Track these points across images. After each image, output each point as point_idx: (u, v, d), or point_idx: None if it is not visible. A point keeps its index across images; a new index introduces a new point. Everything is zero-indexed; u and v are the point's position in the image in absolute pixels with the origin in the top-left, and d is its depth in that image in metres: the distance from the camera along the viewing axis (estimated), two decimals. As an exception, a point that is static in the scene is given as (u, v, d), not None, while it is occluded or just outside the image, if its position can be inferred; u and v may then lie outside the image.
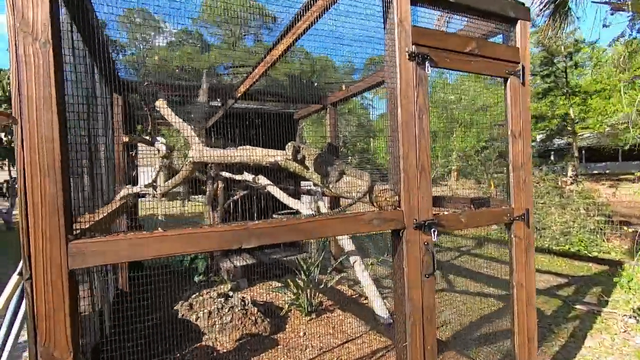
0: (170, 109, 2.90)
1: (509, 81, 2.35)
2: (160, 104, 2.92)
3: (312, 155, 2.31)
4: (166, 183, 3.01)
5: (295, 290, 3.93)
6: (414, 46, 1.94)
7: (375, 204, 1.96)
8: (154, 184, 3.09)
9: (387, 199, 1.91)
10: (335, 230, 1.74)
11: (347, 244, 2.89)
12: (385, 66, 1.99)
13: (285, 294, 4.22)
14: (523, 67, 2.38)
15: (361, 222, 1.79)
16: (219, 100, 5.09)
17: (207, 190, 6.09)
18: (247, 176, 4.62)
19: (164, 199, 3.03)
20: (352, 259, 2.96)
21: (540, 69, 20.88)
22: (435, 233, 1.96)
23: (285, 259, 5.75)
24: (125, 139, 3.90)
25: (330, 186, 2.15)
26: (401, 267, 1.94)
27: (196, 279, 5.49)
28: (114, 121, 3.84)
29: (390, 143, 1.99)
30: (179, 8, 1.60)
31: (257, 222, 1.57)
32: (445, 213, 2.10)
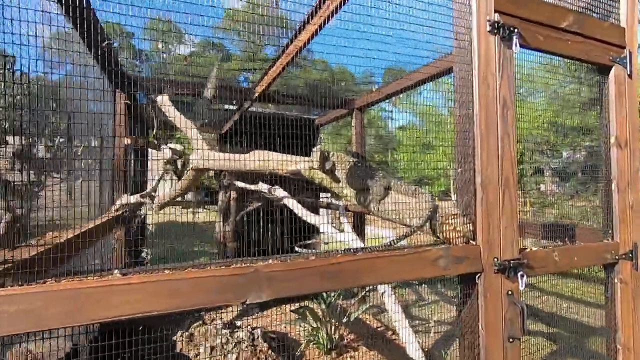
0: (173, 107, 2.43)
1: (612, 71, 1.76)
2: (163, 100, 2.45)
3: (345, 163, 1.76)
4: (166, 193, 2.52)
5: (313, 324, 3.35)
6: (496, 14, 1.39)
7: (439, 234, 1.39)
8: (153, 193, 2.61)
9: (457, 229, 1.33)
10: (385, 274, 1.18)
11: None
12: (454, 44, 1.44)
13: (301, 325, 3.63)
14: (630, 54, 1.79)
15: (423, 262, 1.22)
16: (234, 102, 4.65)
17: (219, 200, 5.63)
18: (263, 187, 4.12)
19: (161, 211, 2.53)
20: (380, 287, 2.38)
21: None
22: (524, 279, 1.37)
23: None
24: (128, 140, 3.46)
25: (372, 205, 1.59)
26: (474, 328, 1.34)
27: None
28: (115, 121, 3.41)
29: (458, 148, 1.43)
30: (202, 15, 1.22)
31: (270, 261, 1.03)
32: (534, 249, 1.50)
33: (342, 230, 3.09)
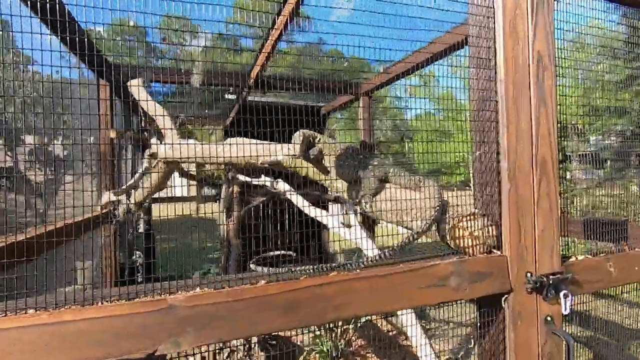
0: (146, 92, 2.13)
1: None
2: (135, 84, 2.16)
3: (334, 151, 1.42)
4: (139, 192, 2.25)
5: (317, 331, 3.05)
6: (528, -63, 1.01)
7: (450, 241, 1.03)
8: (131, 190, 2.35)
9: (475, 233, 0.98)
10: (368, 302, 0.83)
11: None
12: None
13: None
14: None
15: (426, 282, 0.88)
16: (230, 90, 4.35)
17: (222, 195, 5.39)
18: (266, 180, 3.83)
19: (139, 211, 2.27)
20: None
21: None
22: (569, 300, 1.00)
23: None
24: (112, 134, 3.22)
25: (363, 202, 1.25)
26: (500, 366, 0.99)
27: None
28: (100, 112, 3.17)
29: (476, 125, 1.06)
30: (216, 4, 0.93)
31: (197, 289, 0.71)
32: (580, 258, 1.12)
33: (348, 226, 2.75)
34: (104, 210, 2.54)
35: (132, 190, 2.42)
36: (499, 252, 1.00)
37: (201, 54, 2.81)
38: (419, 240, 1.06)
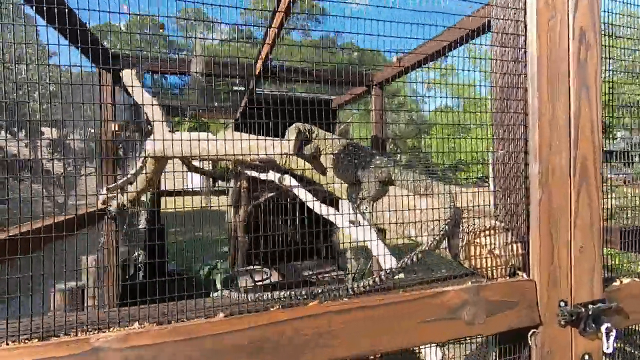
0: (139, 82, 2.00)
1: None
2: (128, 74, 2.04)
3: (331, 148, 1.25)
4: (132, 188, 2.13)
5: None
6: None
7: (465, 260, 0.85)
8: (126, 185, 2.24)
9: (496, 252, 0.79)
10: (366, 341, 0.66)
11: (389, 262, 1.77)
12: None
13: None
14: None
15: (435, 313, 0.70)
16: (238, 81, 4.21)
17: (230, 189, 5.29)
18: (273, 176, 3.67)
19: (133, 207, 2.16)
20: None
21: None
22: (613, 335, 0.81)
23: (317, 276, 4.74)
24: (115, 126, 3.13)
25: (363, 207, 1.07)
26: (524, 414, 0.81)
27: (213, 294, 4.67)
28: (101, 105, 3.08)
29: (498, 117, 0.87)
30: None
31: (136, 325, 0.56)
32: (626, 281, 0.92)
33: (357, 224, 2.58)
34: (102, 206, 2.44)
35: (128, 186, 2.31)
36: (525, 276, 0.81)
37: (210, 47, 2.66)
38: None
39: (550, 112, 0.79)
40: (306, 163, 1.34)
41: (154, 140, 1.70)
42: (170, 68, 3.09)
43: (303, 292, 0.68)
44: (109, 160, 3.06)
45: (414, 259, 0.76)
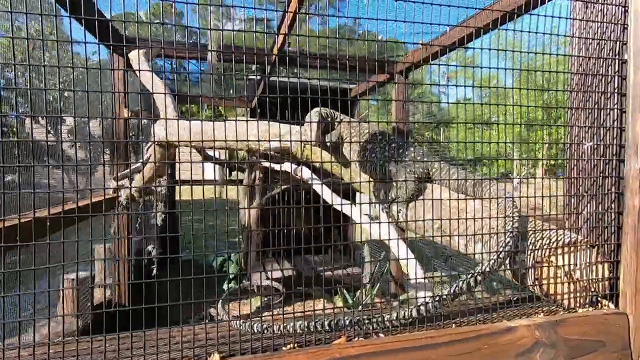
0: (147, 64, 1.86)
1: None
2: (135, 55, 1.90)
3: (357, 137, 1.08)
4: (139, 177, 2.01)
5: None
6: None
7: (534, 285, 0.67)
8: (133, 175, 2.13)
9: (576, 275, 0.61)
10: None
11: (413, 269, 1.57)
12: None
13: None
14: None
15: (499, 356, 0.53)
16: (254, 68, 4.05)
17: (244, 180, 5.18)
18: (289, 166, 3.52)
19: (141, 198, 2.05)
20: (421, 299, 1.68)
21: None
22: None
23: (330, 272, 4.60)
24: (126, 113, 3.03)
25: (395, 209, 0.90)
26: None
27: (225, 286, 4.61)
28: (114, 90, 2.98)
29: (574, 102, 0.67)
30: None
31: None
32: None
33: (375, 219, 2.40)
34: (112, 195, 2.35)
35: (135, 175, 2.21)
36: (612, 306, 0.63)
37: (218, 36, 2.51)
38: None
39: (657, 93, 0.59)
40: (326, 154, 1.17)
41: (158, 124, 1.57)
42: (186, 52, 2.95)
43: (325, 324, 0.51)
44: (119, 148, 2.97)
45: (472, 283, 0.58)
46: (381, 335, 0.53)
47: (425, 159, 0.90)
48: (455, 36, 2.73)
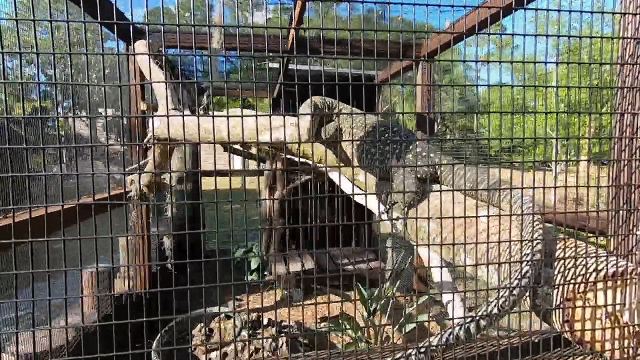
0: (149, 56, 1.79)
1: None
2: (140, 46, 1.84)
3: (357, 130, 0.94)
4: (146, 170, 1.97)
5: (352, 335, 2.66)
6: None
7: (563, 327, 0.51)
8: (139, 170, 2.10)
9: (622, 318, 0.45)
10: None
11: (436, 265, 1.41)
12: None
13: (340, 334, 2.98)
14: None
15: None
16: (269, 56, 3.93)
17: (265, 171, 5.14)
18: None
19: (151, 193, 2.02)
20: (445, 298, 1.54)
21: None
22: None
23: (353, 266, 4.49)
24: (143, 106, 3.04)
25: (394, 213, 0.76)
26: None
27: (248, 277, 4.64)
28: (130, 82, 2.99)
29: (625, 81, 0.50)
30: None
31: None
32: None
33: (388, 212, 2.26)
34: (129, 188, 2.35)
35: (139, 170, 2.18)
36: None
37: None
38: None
39: None
40: (323, 149, 1.04)
41: (154, 119, 1.49)
42: (193, 42, 2.88)
43: None
44: (134, 141, 2.98)
45: (472, 330, 0.44)
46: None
47: (432, 157, 0.75)
48: (486, 13, 2.46)
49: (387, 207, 0.79)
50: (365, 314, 2.74)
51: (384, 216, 0.85)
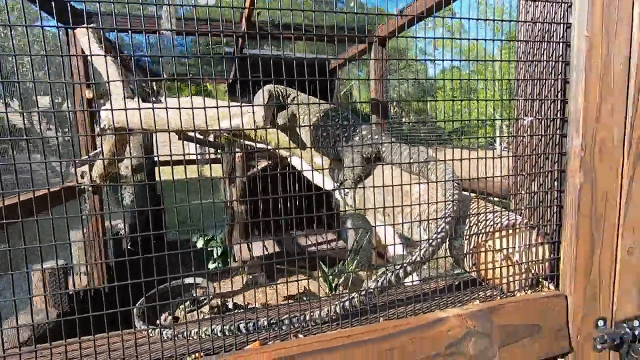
0: (96, 40, 1.72)
1: None
2: (82, 32, 1.75)
3: (309, 116, 1.01)
4: (98, 163, 1.91)
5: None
6: None
7: (472, 269, 0.64)
8: (93, 161, 2.03)
9: (515, 258, 0.58)
10: None
11: (391, 241, 1.55)
12: None
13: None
14: None
15: (426, 350, 0.51)
16: (225, 41, 3.85)
17: (224, 159, 5.07)
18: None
19: (101, 182, 1.97)
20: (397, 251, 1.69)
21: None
22: None
23: (316, 248, 4.64)
24: (88, 94, 2.88)
25: (344, 193, 0.86)
26: None
27: (211, 265, 4.63)
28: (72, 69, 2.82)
29: (519, 72, 0.62)
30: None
31: None
32: None
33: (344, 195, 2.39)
34: (81, 181, 2.26)
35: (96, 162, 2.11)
36: (552, 288, 0.61)
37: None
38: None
39: (602, 63, 0.54)
40: (281, 135, 1.11)
41: (108, 110, 1.46)
42: (139, 26, 2.77)
43: (249, 326, 0.48)
44: (81, 131, 2.83)
45: (401, 274, 0.55)
46: (300, 335, 0.50)
47: (375, 138, 0.85)
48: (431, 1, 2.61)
49: (338, 184, 0.89)
50: (327, 290, 2.89)
51: (337, 193, 0.95)
